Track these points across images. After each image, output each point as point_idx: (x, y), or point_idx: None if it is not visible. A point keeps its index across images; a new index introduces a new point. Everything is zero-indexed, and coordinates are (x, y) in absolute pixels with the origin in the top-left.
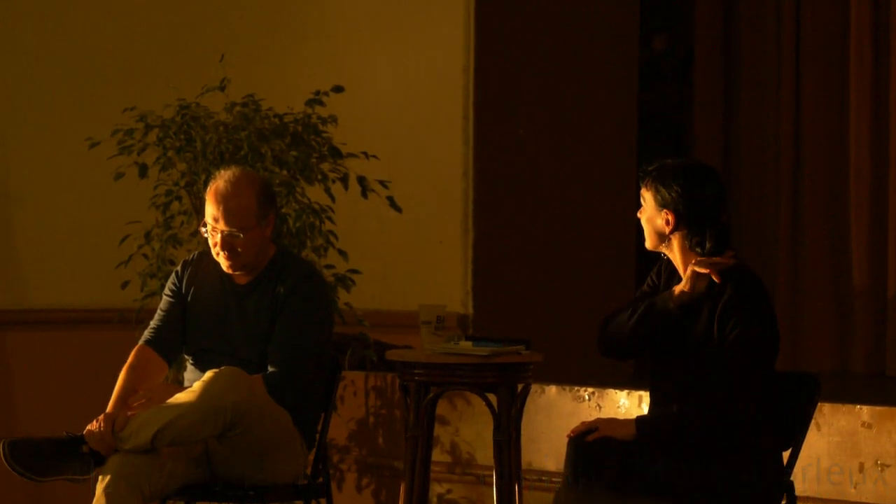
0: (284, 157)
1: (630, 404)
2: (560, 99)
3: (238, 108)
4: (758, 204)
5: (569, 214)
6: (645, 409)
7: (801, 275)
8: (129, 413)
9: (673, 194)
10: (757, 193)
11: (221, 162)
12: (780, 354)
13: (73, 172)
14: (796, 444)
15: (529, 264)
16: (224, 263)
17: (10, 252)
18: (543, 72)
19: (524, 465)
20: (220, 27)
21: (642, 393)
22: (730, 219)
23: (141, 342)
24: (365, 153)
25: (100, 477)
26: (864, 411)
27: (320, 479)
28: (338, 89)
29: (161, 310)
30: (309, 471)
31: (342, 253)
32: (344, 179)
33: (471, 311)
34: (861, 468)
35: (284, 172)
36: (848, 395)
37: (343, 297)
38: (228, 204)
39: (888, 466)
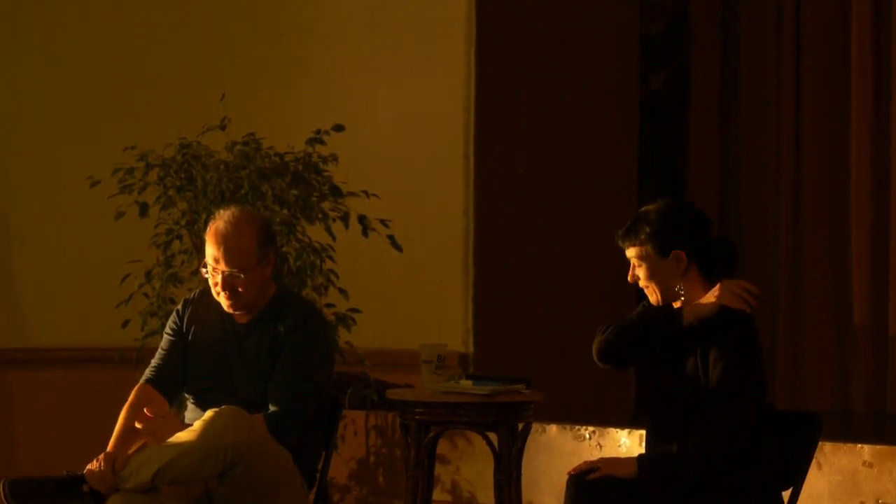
0: (285, 195)
1: (631, 443)
2: (560, 138)
3: (239, 147)
4: (757, 236)
5: (569, 253)
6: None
7: (802, 312)
8: (129, 451)
9: (669, 232)
10: (756, 223)
11: (222, 201)
12: (780, 392)
13: (74, 211)
14: (797, 483)
15: (530, 303)
16: (225, 303)
17: (12, 290)
18: (543, 111)
19: None
20: (220, 66)
21: (643, 432)
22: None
23: (142, 381)
24: (365, 192)
25: None
26: (866, 450)
27: None
28: (338, 128)
29: (162, 348)
30: None
31: (343, 292)
32: (344, 218)
33: (471, 349)
34: None
35: (285, 211)
36: (849, 433)
37: (344, 335)
38: (229, 244)
39: None
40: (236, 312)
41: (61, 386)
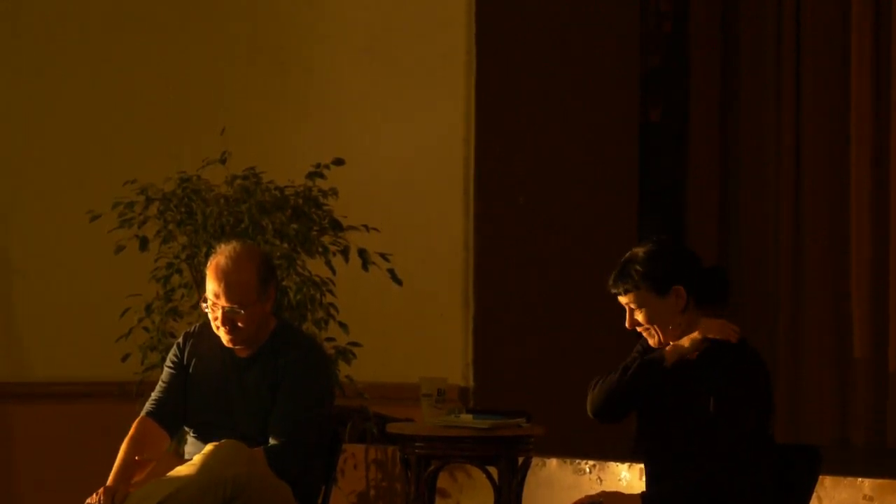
0: (285, 229)
1: (631, 477)
2: (560, 170)
3: (239, 181)
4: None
5: (569, 287)
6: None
7: (802, 346)
8: (130, 485)
9: (660, 269)
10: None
11: (222, 235)
12: (780, 425)
13: (73, 245)
14: None
15: (530, 337)
16: (225, 338)
17: (11, 324)
18: (544, 144)
19: None
20: (220, 100)
21: (643, 466)
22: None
23: (142, 414)
24: (366, 226)
25: None
26: (866, 484)
27: None
28: (338, 162)
29: (162, 381)
30: None
31: (343, 325)
32: (345, 252)
33: (472, 383)
34: None
35: (285, 245)
36: (849, 467)
37: (344, 369)
38: (229, 280)
39: None
40: (236, 347)
41: (61, 420)
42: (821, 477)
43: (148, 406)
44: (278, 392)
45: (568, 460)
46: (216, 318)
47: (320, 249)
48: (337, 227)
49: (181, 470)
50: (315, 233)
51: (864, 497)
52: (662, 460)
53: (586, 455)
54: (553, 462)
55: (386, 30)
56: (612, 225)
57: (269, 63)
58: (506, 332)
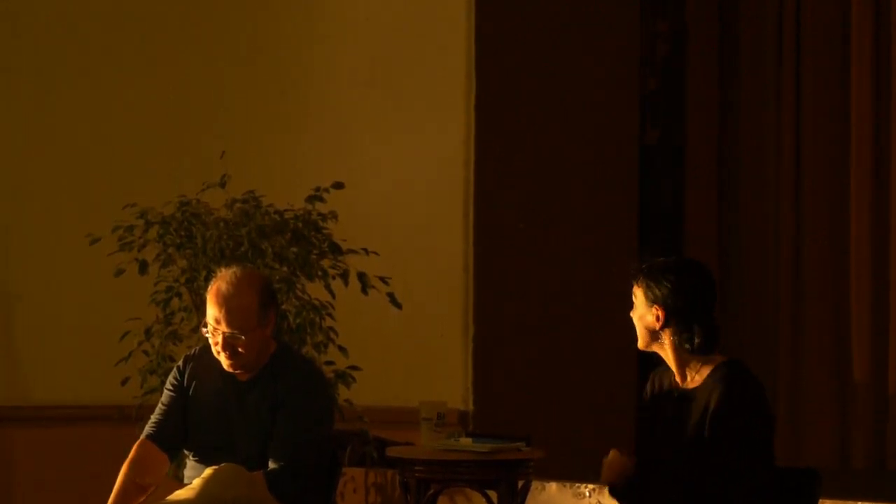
0: (285, 253)
1: None
2: (560, 194)
3: (238, 205)
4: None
5: (569, 311)
6: None
7: (802, 370)
8: None
9: (663, 289)
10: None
11: (222, 258)
12: (779, 447)
13: (73, 269)
14: None
15: (530, 360)
16: (225, 363)
17: (11, 348)
18: (543, 167)
19: None
20: (220, 124)
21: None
22: (717, 318)
23: (142, 437)
24: (365, 249)
25: None
26: None
27: None
28: (338, 185)
29: (162, 404)
30: None
31: (342, 349)
32: (344, 276)
33: (471, 407)
34: None
35: (285, 269)
36: (848, 490)
37: (343, 393)
38: (230, 306)
39: None
40: (236, 371)
41: (61, 444)
42: (820, 500)
43: (147, 429)
44: (278, 415)
45: (567, 484)
46: (217, 344)
47: (320, 273)
48: (336, 250)
49: (181, 494)
50: (315, 256)
51: None
52: (664, 483)
53: (586, 479)
54: (553, 486)
55: (385, 54)
56: (613, 249)
57: (269, 87)
58: (505, 356)
